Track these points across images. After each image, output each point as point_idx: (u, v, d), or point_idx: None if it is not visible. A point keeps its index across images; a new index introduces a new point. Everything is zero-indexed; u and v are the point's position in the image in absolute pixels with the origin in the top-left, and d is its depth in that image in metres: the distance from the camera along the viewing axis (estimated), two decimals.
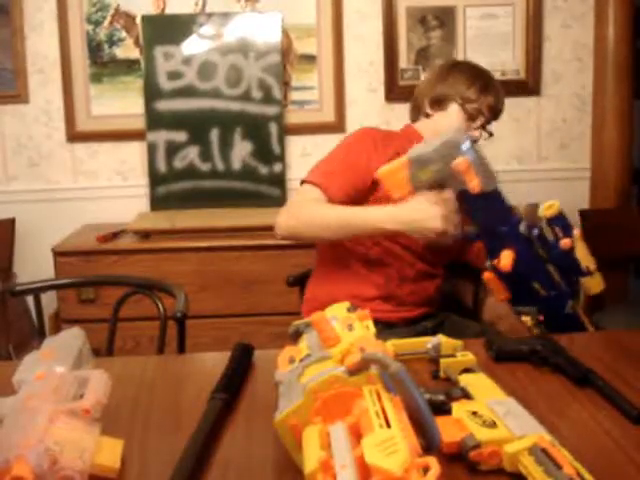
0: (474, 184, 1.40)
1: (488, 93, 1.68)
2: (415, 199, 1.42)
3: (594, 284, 1.52)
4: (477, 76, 1.70)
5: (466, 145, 1.44)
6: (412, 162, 1.43)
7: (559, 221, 1.48)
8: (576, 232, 1.50)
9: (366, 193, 1.59)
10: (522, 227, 1.47)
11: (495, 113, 1.71)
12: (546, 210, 1.48)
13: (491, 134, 1.72)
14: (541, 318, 1.49)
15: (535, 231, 1.47)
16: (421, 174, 1.43)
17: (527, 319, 1.49)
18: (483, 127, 1.69)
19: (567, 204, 2.82)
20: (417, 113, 1.76)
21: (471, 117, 1.67)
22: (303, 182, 1.60)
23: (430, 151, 1.42)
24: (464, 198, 1.44)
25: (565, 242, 1.46)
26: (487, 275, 1.52)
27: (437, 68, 1.80)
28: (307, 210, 1.54)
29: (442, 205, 1.40)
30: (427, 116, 1.73)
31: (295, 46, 2.87)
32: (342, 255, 1.67)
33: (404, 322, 1.66)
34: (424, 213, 1.41)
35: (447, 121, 1.68)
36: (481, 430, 0.85)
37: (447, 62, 1.82)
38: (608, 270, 2.83)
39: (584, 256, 1.50)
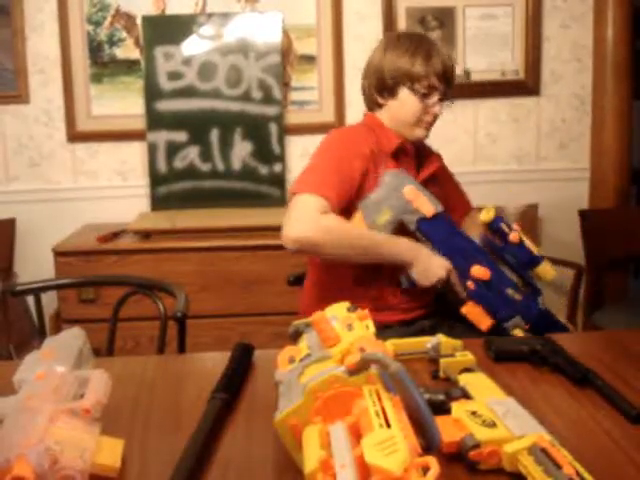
0: (427, 208, 1.52)
1: (433, 60, 1.57)
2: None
3: (548, 269, 1.57)
4: (417, 47, 1.58)
5: (406, 176, 1.55)
6: (366, 210, 1.53)
7: (500, 220, 1.57)
8: (516, 226, 1.56)
9: (353, 199, 1.55)
10: (477, 240, 1.58)
11: (447, 79, 1.59)
12: (484, 216, 1.58)
13: (452, 101, 1.63)
14: (527, 327, 1.52)
15: (486, 239, 1.57)
16: (378, 218, 1.53)
17: (517, 332, 1.52)
18: (442, 99, 1.60)
19: (566, 204, 2.87)
20: (370, 103, 1.69)
21: (425, 96, 1.58)
22: (295, 193, 1.50)
23: (378, 192, 1.52)
24: (422, 230, 1.54)
25: (514, 235, 1.55)
26: (465, 309, 1.56)
27: (372, 52, 1.67)
28: (338, 227, 1.48)
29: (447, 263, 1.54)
30: (380, 106, 1.65)
31: (295, 46, 2.87)
32: (335, 278, 1.63)
33: (399, 324, 1.64)
34: (436, 260, 1.54)
35: (401, 108, 1.61)
36: (481, 430, 0.86)
37: (379, 43, 1.66)
38: (608, 270, 2.84)
39: (531, 245, 1.56)
